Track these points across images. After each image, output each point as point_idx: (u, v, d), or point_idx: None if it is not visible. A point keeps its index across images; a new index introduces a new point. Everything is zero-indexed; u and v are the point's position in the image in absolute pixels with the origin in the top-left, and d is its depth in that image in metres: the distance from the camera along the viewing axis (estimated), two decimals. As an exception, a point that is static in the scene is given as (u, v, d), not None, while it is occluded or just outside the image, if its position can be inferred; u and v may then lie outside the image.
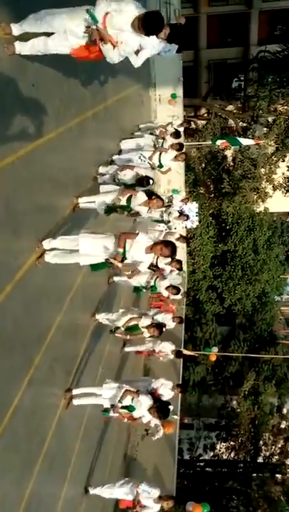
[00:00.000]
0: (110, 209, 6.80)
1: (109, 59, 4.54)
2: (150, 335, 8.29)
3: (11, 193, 4.83)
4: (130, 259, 5.62)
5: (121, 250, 5.53)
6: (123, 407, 6.70)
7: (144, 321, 8.14)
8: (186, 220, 13.21)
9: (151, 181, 7.39)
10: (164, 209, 11.63)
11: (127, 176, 7.48)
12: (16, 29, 4.51)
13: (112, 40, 4.35)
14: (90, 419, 7.74)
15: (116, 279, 9.55)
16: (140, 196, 6.65)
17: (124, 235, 5.65)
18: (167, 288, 9.73)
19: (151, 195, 6.73)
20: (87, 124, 7.78)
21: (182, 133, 12.04)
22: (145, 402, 6.68)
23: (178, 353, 10.67)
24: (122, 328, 8.19)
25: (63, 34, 4.40)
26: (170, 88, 16.73)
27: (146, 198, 6.66)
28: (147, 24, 4.18)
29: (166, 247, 5.61)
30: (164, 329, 8.42)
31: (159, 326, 8.15)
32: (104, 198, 6.80)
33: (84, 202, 7.01)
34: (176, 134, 10.37)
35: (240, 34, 25.03)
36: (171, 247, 5.66)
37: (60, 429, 6.45)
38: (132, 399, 6.65)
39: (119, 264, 5.57)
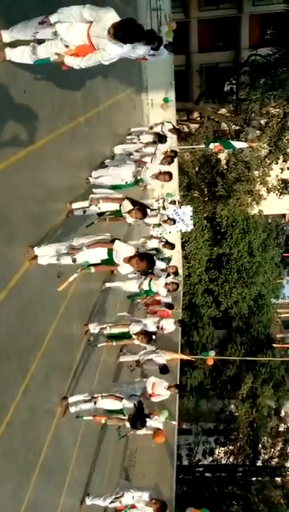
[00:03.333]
0: (102, 213, 6.81)
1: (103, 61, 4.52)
2: (138, 343, 8.15)
3: (3, 199, 4.78)
4: (117, 261, 5.62)
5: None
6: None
7: (134, 328, 8.03)
8: (173, 224, 13.23)
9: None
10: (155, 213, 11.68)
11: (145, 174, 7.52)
12: (6, 36, 4.47)
13: (82, 52, 4.36)
14: (87, 426, 7.66)
15: (108, 284, 9.49)
16: (126, 205, 6.64)
17: (99, 244, 5.61)
18: (166, 285, 9.63)
19: (135, 204, 6.68)
20: (80, 130, 7.75)
21: (172, 138, 11.98)
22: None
23: (162, 369, 9.91)
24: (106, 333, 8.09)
25: (54, 41, 4.38)
26: (162, 92, 16.76)
27: (131, 207, 6.62)
28: (121, 32, 4.16)
29: (142, 260, 5.42)
30: (153, 337, 8.28)
31: (147, 334, 7.98)
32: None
33: (77, 208, 6.97)
34: (159, 139, 10.31)
35: (231, 38, 25.16)
36: (147, 261, 5.45)
37: (57, 437, 6.38)
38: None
39: None
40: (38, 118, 5.72)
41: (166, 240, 11.85)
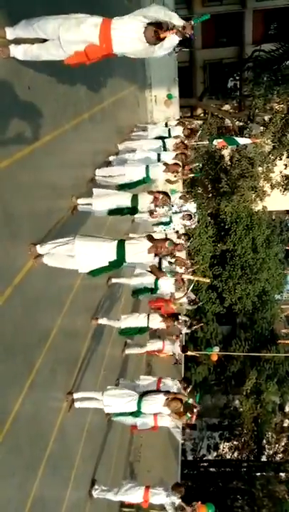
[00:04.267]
0: (113, 211, 6.82)
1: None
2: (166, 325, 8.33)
3: (8, 196, 4.82)
4: (129, 260, 5.59)
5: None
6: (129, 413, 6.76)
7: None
8: (191, 218, 13.14)
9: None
10: (167, 209, 11.62)
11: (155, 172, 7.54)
12: (10, 33, 4.50)
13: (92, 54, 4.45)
14: (93, 421, 7.72)
15: (114, 280, 9.53)
16: (147, 195, 6.72)
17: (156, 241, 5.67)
18: (179, 236, 9.76)
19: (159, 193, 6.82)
20: (84, 126, 7.77)
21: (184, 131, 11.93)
22: (159, 397, 6.72)
23: (183, 348, 10.59)
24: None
25: (56, 41, 4.40)
26: (166, 89, 16.74)
27: (151, 197, 6.71)
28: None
29: (165, 241, 5.69)
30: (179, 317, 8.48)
31: (174, 315, 8.16)
32: (101, 202, 6.81)
33: (83, 204, 6.99)
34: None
35: (234, 34, 25.03)
36: (168, 240, 5.77)
37: (63, 432, 6.43)
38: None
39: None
40: (43, 115, 5.75)
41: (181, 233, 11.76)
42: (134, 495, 7.37)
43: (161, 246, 5.59)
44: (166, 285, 9.58)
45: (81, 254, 5.37)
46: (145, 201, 6.80)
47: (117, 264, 5.57)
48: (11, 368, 4.91)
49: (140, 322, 8.78)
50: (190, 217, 12.91)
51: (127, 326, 8.74)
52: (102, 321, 8.33)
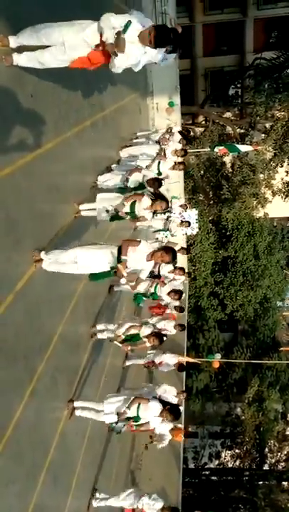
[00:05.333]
0: (115, 217, 6.81)
1: (116, 69, 4.58)
2: (150, 344, 8.19)
3: (11, 203, 4.83)
4: (129, 267, 5.60)
5: (125, 258, 5.50)
6: (128, 418, 6.65)
7: (145, 330, 8.07)
8: (188, 226, 13.21)
9: (163, 182, 7.43)
10: (165, 216, 11.65)
11: (134, 178, 7.52)
12: (13, 41, 4.54)
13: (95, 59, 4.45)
14: (94, 429, 7.68)
15: (117, 288, 9.54)
16: (145, 201, 6.67)
17: (127, 242, 5.63)
18: (169, 293, 9.63)
19: (155, 196, 6.74)
20: (86, 134, 7.81)
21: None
22: (155, 406, 6.64)
23: (180, 367, 10.49)
24: (123, 336, 8.10)
25: (60, 47, 4.44)
26: (167, 96, 16.84)
27: (150, 202, 6.68)
28: (160, 38, 4.28)
29: (167, 253, 5.63)
30: (164, 338, 8.32)
31: (159, 335, 8.05)
32: (105, 205, 6.81)
33: (85, 209, 7.02)
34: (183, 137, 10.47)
35: (235, 42, 25.22)
36: (172, 253, 5.69)
37: (64, 440, 6.40)
38: (139, 406, 6.60)
39: (125, 273, 5.53)
40: (45, 122, 5.79)
41: (182, 246, 11.83)
42: (129, 502, 7.34)
43: (161, 254, 5.60)
44: (164, 294, 9.58)
45: (83, 260, 5.48)
46: (142, 206, 6.78)
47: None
48: (13, 374, 4.90)
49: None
50: (188, 224, 12.97)
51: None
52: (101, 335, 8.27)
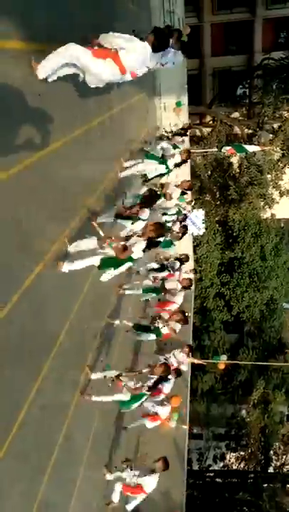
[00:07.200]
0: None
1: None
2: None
3: (18, 202, 4.82)
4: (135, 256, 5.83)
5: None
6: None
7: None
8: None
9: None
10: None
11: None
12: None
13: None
14: (99, 428, 7.67)
15: (126, 292, 9.61)
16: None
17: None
18: (181, 281, 9.76)
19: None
20: (93, 133, 7.79)
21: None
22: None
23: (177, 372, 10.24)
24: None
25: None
26: (175, 96, 16.77)
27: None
28: (159, 43, 4.31)
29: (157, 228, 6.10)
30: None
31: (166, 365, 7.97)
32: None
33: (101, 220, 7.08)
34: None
35: (244, 42, 25.14)
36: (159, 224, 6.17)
37: (69, 439, 6.39)
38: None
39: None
40: (53, 121, 5.76)
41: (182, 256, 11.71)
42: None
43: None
44: (173, 284, 9.64)
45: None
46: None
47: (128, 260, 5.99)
48: (19, 373, 4.90)
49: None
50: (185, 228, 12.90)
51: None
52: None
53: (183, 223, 10.69)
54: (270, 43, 24.47)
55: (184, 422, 12.38)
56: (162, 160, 9.49)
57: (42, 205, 5.52)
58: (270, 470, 24.42)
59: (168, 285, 9.97)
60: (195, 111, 23.16)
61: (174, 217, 10.93)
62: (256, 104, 23.08)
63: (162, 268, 10.24)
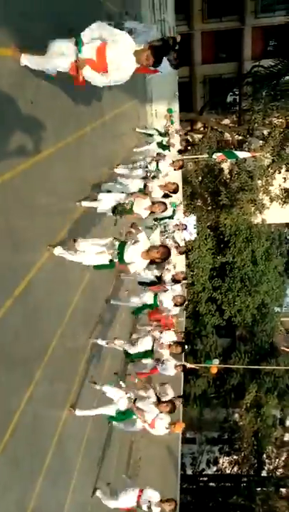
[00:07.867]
0: (121, 210, 6.96)
1: (95, 83, 4.71)
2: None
3: (10, 207, 4.87)
4: (126, 260, 5.86)
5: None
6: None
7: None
8: (185, 229, 13.22)
9: None
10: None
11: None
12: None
13: (99, 68, 4.49)
14: (92, 434, 7.68)
15: (114, 302, 9.50)
16: (146, 201, 6.85)
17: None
18: (173, 298, 9.48)
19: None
20: (86, 140, 7.88)
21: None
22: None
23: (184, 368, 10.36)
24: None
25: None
26: (166, 103, 16.95)
27: (150, 203, 6.86)
28: (157, 58, 4.39)
29: (163, 249, 5.93)
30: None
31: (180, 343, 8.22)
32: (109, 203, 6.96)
33: (88, 206, 7.15)
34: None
35: (234, 50, 25.45)
36: (166, 250, 5.95)
37: (61, 445, 6.40)
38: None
39: None
40: (45, 128, 5.83)
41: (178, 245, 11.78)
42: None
43: (158, 251, 5.82)
44: (167, 301, 9.44)
45: (87, 252, 6.05)
46: (141, 206, 6.92)
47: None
48: (11, 378, 4.92)
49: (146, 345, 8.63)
50: (185, 227, 12.99)
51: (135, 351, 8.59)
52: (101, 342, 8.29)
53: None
54: (260, 50, 24.80)
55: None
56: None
57: (35, 211, 5.58)
58: (264, 473, 24.48)
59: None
60: (186, 117, 23.38)
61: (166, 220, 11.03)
62: (246, 111, 23.37)
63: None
